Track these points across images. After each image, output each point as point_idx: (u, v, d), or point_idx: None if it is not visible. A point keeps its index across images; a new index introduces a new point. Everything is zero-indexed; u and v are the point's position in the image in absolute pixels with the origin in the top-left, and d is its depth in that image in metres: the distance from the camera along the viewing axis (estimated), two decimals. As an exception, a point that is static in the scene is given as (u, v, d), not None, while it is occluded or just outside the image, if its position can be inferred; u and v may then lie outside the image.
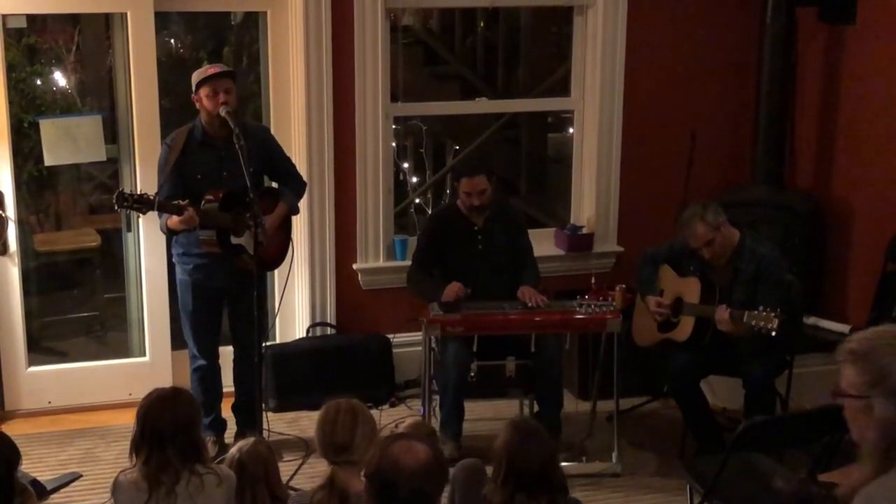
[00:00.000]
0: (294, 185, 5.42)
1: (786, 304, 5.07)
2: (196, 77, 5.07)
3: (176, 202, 4.93)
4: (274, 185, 5.45)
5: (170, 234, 5.14)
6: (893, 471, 2.47)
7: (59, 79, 6.60)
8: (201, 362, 5.36)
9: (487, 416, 5.78)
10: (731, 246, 5.14)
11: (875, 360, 2.49)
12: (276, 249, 5.31)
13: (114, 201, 4.87)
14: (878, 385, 2.47)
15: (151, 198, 4.90)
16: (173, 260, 5.38)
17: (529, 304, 5.26)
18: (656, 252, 5.46)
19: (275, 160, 5.35)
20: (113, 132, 6.05)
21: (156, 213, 5.03)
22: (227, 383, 5.53)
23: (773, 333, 4.81)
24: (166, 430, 3.55)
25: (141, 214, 5.02)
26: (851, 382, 2.52)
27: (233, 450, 3.77)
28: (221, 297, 5.33)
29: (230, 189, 5.01)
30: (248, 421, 5.26)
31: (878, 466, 2.48)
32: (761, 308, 4.82)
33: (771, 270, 5.07)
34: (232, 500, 3.64)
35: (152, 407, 3.60)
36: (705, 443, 5.28)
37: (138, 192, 4.92)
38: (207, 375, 5.38)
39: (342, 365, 6.04)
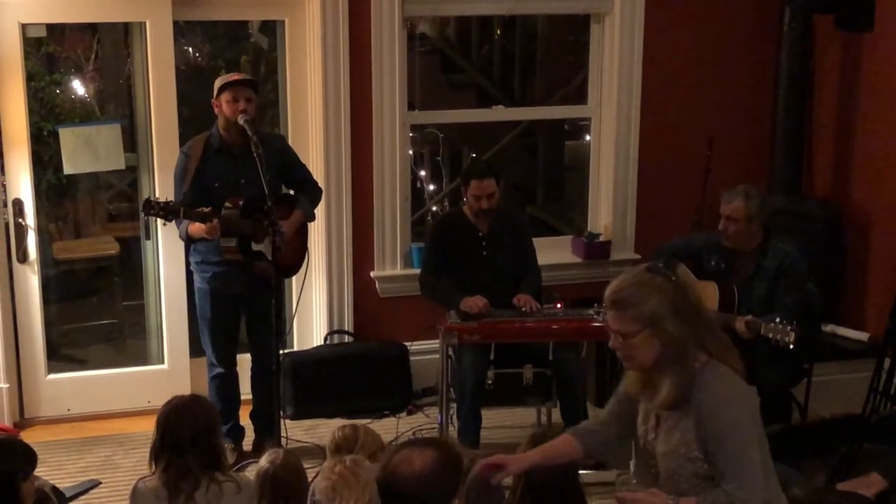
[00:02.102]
0: (310, 191, 5.44)
1: (805, 304, 5.06)
2: (219, 82, 5.11)
3: (200, 210, 4.95)
4: (290, 192, 5.47)
5: (189, 241, 5.16)
6: (711, 364, 3.05)
7: (79, 87, 6.64)
8: (219, 370, 5.38)
9: (505, 423, 5.78)
10: (752, 241, 5.14)
11: (640, 296, 3.01)
12: (293, 256, 5.33)
13: (141, 209, 4.92)
14: (657, 313, 2.98)
15: (178, 206, 4.93)
16: (191, 268, 5.40)
17: (524, 310, 5.26)
18: (671, 247, 5.43)
19: (291, 167, 5.37)
20: (132, 141, 6.09)
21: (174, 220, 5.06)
22: (246, 391, 5.55)
23: (791, 346, 4.81)
24: (186, 438, 3.56)
25: (167, 222, 5.03)
26: (629, 321, 3.03)
27: (263, 463, 3.71)
28: (239, 304, 5.35)
29: (249, 196, 5.03)
30: (266, 429, 5.28)
31: (679, 373, 3.02)
32: (778, 321, 4.81)
33: (793, 267, 5.08)
34: None
35: (172, 414, 3.62)
36: None
37: (164, 200, 4.95)
38: (225, 383, 5.39)
39: (360, 373, 6.05)
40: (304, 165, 5.49)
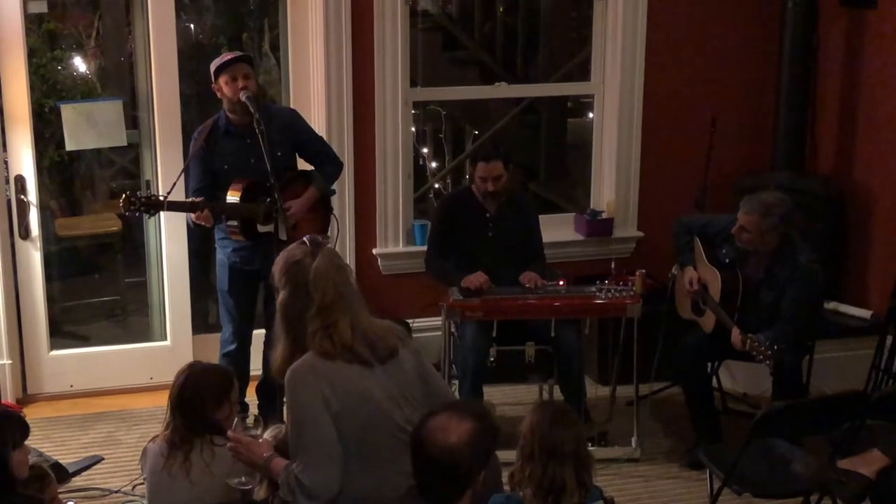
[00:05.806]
0: (327, 165, 5.38)
1: (807, 317, 5.07)
2: (213, 66, 5.08)
3: (190, 200, 4.96)
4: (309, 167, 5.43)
5: (197, 228, 5.14)
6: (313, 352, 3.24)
7: (80, 64, 6.61)
8: (231, 347, 5.37)
9: (507, 401, 5.79)
10: (766, 246, 5.04)
11: (278, 266, 3.33)
12: (309, 233, 5.30)
13: (121, 205, 4.89)
14: (280, 281, 3.31)
15: (161, 199, 4.91)
16: (215, 244, 5.39)
17: (527, 286, 5.25)
18: (691, 222, 5.40)
19: (304, 141, 5.33)
20: (133, 117, 6.08)
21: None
22: (256, 367, 5.54)
23: (770, 372, 4.91)
24: (180, 400, 3.70)
25: (151, 216, 5.02)
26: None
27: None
28: (257, 280, 5.33)
29: (256, 177, 5.02)
30: (268, 404, 5.28)
31: (285, 345, 3.31)
32: (766, 342, 4.79)
33: (802, 281, 4.99)
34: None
35: (180, 376, 3.77)
36: (703, 432, 5.19)
37: (146, 195, 4.94)
38: (234, 360, 5.35)
39: (362, 349, 6.03)
40: (319, 138, 5.46)
